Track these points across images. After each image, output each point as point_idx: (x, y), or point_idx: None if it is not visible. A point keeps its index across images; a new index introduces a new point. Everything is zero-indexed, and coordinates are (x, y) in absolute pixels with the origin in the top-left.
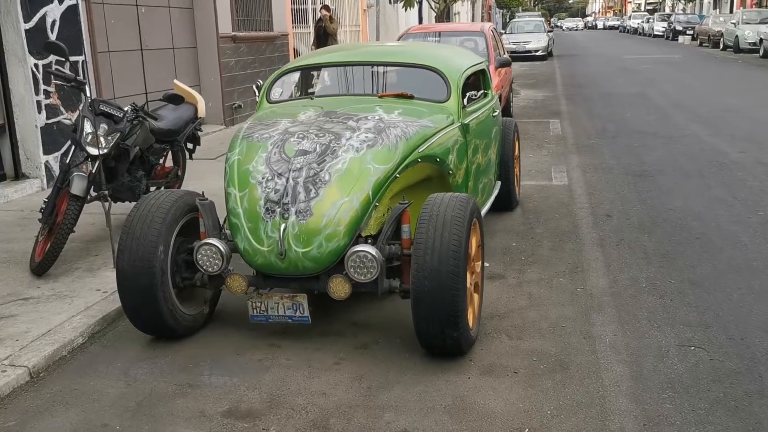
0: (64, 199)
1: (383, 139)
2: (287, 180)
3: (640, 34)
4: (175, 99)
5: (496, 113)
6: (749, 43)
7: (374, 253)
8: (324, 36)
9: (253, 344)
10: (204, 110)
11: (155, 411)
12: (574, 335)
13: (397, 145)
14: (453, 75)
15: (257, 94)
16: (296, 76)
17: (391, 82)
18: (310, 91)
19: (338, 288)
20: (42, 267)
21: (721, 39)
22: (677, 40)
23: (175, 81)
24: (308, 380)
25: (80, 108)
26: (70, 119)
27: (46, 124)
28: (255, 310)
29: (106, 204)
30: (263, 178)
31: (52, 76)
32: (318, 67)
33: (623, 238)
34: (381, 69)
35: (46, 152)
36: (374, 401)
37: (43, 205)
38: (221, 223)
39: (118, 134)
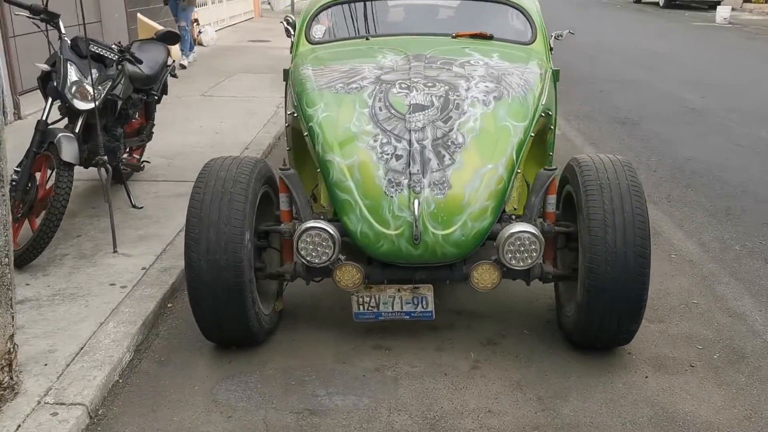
0: (43, 167)
1: (507, 90)
2: (410, 143)
3: None
4: (170, 37)
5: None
6: None
7: (536, 233)
8: None
9: (353, 348)
10: (178, 52)
11: None
12: (716, 313)
13: (526, 96)
14: (533, 12)
15: (291, 32)
16: (338, 10)
17: (460, 18)
18: (359, 29)
19: (484, 277)
20: (26, 257)
21: None
22: None
23: (140, 16)
24: (456, 393)
25: (58, 49)
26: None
27: None
28: (362, 307)
29: (104, 172)
30: (375, 141)
31: (13, 6)
32: None
33: (669, 194)
34: (446, 3)
35: None
36: (559, 418)
37: (15, 176)
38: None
39: (110, 82)
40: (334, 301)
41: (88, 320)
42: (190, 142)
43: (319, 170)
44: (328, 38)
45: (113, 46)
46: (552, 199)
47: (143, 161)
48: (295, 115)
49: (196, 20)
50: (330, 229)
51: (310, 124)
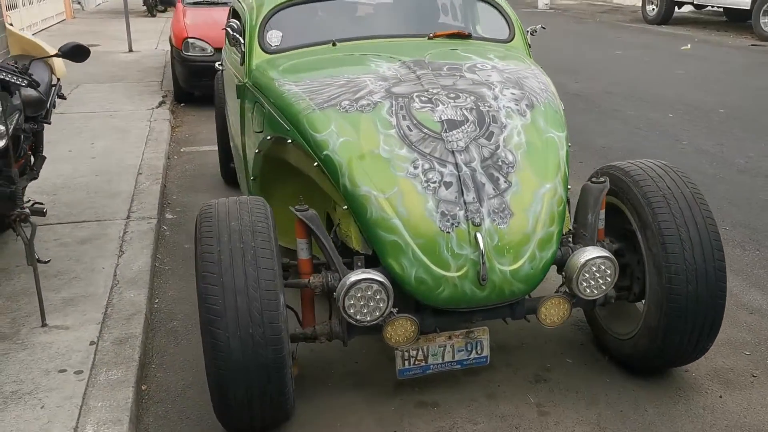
0: None
1: (535, 96)
2: (456, 166)
3: None
4: (79, 53)
5: None
6: None
7: (612, 258)
8: None
9: (394, 409)
10: (63, 68)
11: None
12: (737, 312)
13: (553, 101)
14: (508, 7)
15: (241, 40)
16: (289, 14)
17: (426, 17)
18: (319, 33)
19: (553, 312)
20: None
21: None
22: None
23: (9, 26)
24: None
25: None
26: None
27: None
28: (408, 362)
29: (26, 228)
30: (416, 168)
31: None
32: None
33: None
34: (407, 1)
35: None
36: None
37: None
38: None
39: (17, 113)
40: (342, 354)
41: (54, 426)
42: (67, 172)
43: (345, 207)
44: (286, 46)
45: (14, 67)
46: (602, 214)
47: (35, 203)
48: (289, 141)
49: (10, 24)
50: (381, 278)
51: (324, 153)
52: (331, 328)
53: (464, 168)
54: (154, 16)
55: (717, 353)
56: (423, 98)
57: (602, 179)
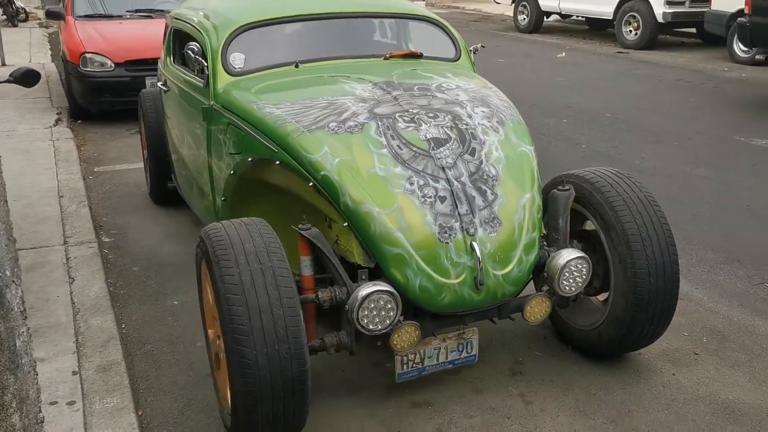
0: None
1: (502, 113)
2: (448, 182)
3: None
4: (30, 77)
5: None
6: None
7: (587, 258)
8: None
9: (392, 411)
10: None
11: None
12: None
13: (517, 117)
14: (451, 28)
15: (205, 62)
16: (249, 36)
17: (377, 38)
18: (280, 55)
19: (536, 310)
20: None
21: None
22: None
23: None
24: None
25: None
26: None
27: None
28: (406, 366)
29: None
30: (412, 185)
31: None
32: (284, 21)
33: None
34: (359, 22)
35: None
36: None
37: None
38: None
39: None
40: (326, 365)
41: None
42: None
43: (346, 224)
44: (250, 68)
45: None
46: (568, 218)
47: None
48: (277, 162)
49: None
50: (391, 289)
51: (322, 173)
52: (339, 339)
53: (455, 183)
54: (15, 26)
55: (662, 336)
56: (405, 118)
57: (567, 187)
